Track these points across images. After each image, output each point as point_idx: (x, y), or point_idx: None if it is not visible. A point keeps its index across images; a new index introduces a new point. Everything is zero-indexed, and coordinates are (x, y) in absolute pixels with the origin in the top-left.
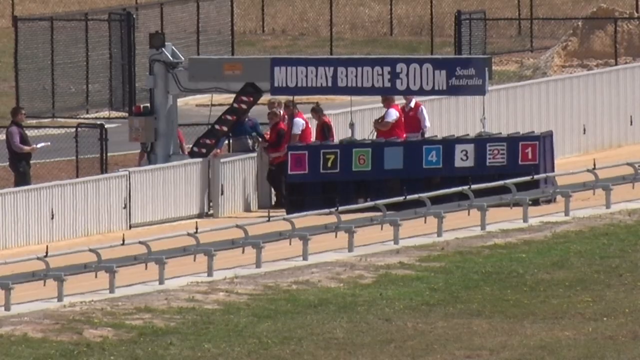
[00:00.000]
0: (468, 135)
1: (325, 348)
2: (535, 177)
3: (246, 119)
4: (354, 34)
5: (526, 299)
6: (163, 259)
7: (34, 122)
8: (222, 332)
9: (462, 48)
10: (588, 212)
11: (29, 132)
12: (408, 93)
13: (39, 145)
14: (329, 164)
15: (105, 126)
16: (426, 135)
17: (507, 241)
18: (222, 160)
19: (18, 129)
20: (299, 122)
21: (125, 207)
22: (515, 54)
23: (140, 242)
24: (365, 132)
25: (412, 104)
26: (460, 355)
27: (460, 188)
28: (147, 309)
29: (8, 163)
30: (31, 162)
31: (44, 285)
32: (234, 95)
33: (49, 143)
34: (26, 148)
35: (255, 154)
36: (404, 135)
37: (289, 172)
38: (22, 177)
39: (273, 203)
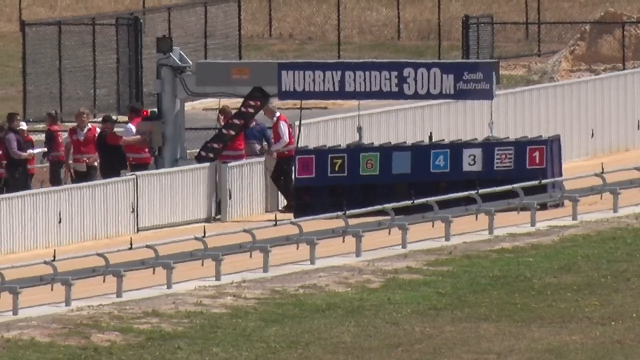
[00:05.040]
0: (476, 139)
1: (333, 352)
2: (543, 181)
3: (254, 124)
4: (362, 38)
5: (534, 303)
6: (171, 263)
7: (41, 126)
8: (229, 336)
9: (469, 52)
10: (595, 216)
11: (35, 137)
12: (416, 97)
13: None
14: (337, 168)
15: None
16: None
17: (515, 245)
18: (229, 164)
19: (15, 135)
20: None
21: (133, 211)
22: (523, 59)
23: (147, 246)
24: (373, 136)
25: (276, 118)
26: (468, 359)
27: (467, 192)
28: (154, 313)
29: (4, 169)
30: (38, 165)
31: (52, 289)
32: (241, 100)
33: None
34: (24, 154)
35: (263, 159)
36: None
37: (297, 176)
38: (17, 183)
39: (280, 207)
